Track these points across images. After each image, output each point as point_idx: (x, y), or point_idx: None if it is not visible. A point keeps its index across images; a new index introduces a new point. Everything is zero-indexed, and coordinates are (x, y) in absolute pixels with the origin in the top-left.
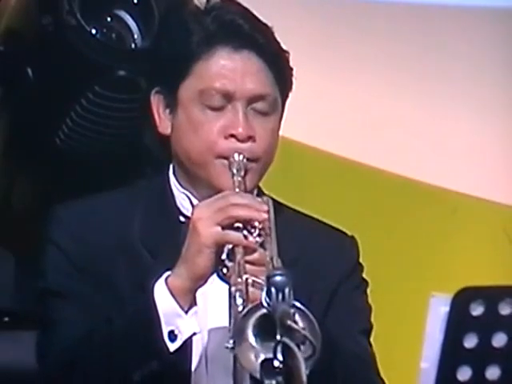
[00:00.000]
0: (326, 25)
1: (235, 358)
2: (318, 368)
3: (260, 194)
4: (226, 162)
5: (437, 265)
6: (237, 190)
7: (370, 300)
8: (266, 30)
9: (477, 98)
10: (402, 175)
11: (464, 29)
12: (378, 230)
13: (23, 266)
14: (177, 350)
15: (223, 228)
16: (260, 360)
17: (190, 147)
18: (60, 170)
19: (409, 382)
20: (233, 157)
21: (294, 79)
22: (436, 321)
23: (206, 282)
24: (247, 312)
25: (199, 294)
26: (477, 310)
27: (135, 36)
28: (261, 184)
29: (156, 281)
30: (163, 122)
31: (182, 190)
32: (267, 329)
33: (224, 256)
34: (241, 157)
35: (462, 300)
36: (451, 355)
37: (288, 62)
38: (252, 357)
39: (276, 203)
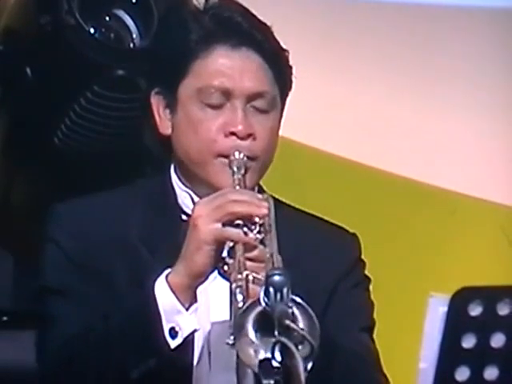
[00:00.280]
0: (326, 25)
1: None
2: (316, 366)
3: (260, 192)
4: (225, 160)
5: (435, 265)
6: (237, 187)
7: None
8: (264, 29)
9: (476, 99)
10: (401, 176)
11: (464, 29)
12: (377, 231)
13: (21, 265)
14: (177, 347)
15: (223, 225)
16: (260, 355)
17: (189, 146)
18: (58, 169)
19: (407, 382)
20: (233, 155)
21: (293, 78)
22: (434, 321)
23: (206, 279)
24: (247, 308)
25: (201, 290)
26: (475, 311)
27: (134, 35)
28: (260, 184)
29: (157, 278)
30: (163, 122)
31: (184, 188)
32: (267, 324)
33: (225, 253)
34: (241, 155)
35: (460, 300)
36: (449, 355)
37: (287, 60)
38: (252, 352)
39: (276, 201)
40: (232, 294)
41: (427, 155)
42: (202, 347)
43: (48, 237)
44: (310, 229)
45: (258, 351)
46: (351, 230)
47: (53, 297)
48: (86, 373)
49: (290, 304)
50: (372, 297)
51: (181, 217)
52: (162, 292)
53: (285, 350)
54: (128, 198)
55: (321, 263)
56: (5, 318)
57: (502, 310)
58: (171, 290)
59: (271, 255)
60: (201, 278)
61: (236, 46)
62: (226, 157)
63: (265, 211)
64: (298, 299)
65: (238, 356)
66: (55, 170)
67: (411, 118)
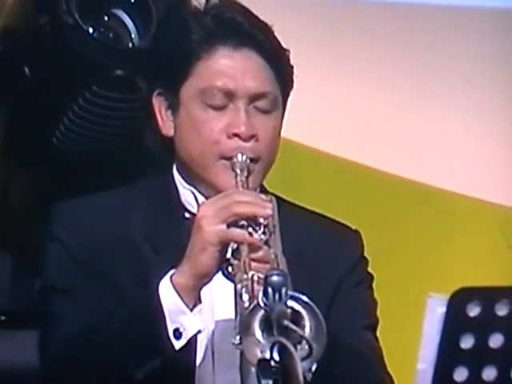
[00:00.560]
0: (326, 26)
1: (241, 352)
2: (320, 365)
3: (263, 192)
4: (228, 163)
5: (434, 265)
6: (240, 189)
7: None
8: (265, 28)
9: (476, 100)
10: (400, 176)
11: (464, 30)
12: (376, 231)
13: (20, 265)
14: (181, 348)
15: (228, 226)
16: (266, 355)
17: (192, 147)
18: (57, 169)
19: (406, 383)
20: (236, 157)
21: (294, 77)
22: (433, 321)
23: (210, 279)
24: (253, 307)
25: (205, 291)
26: (473, 311)
27: (133, 35)
28: (263, 184)
29: (161, 278)
30: (166, 123)
31: (188, 186)
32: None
33: (229, 255)
34: (244, 157)
35: (458, 300)
36: (448, 356)
37: (288, 59)
38: (258, 352)
39: (278, 199)
40: (237, 294)
41: (427, 156)
42: (206, 346)
43: (51, 236)
44: (312, 226)
45: (265, 351)
46: (354, 227)
47: (55, 296)
48: (89, 373)
49: (296, 303)
50: None
51: (184, 215)
52: (167, 293)
53: (283, 351)
54: (131, 197)
55: (324, 261)
56: (2, 318)
57: (501, 311)
58: (175, 290)
59: (275, 256)
60: (205, 278)
61: (238, 47)
62: (229, 159)
63: (269, 212)
64: (305, 298)
65: (241, 355)
66: (54, 170)
67: (411, 119)
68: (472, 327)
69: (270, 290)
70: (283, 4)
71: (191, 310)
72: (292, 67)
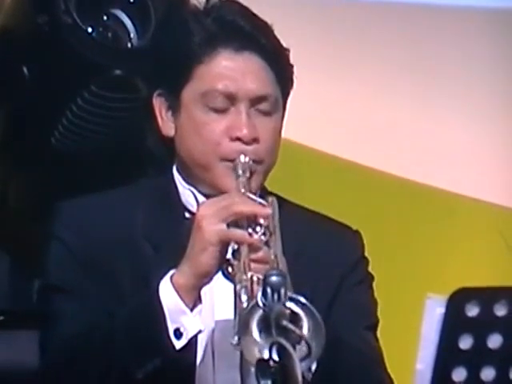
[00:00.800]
0: (326, 26)
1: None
2: (320, 364)
3: (265, 193)
4: (230, 164)
5: (433, 266)
6: (242, 190)
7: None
8: (266, 29)
9: (475, 100)
10: (399, 176)
11: (463, 30)
12: (375, 231)
13: (19, 265)
14: (182, 347)
15: (228, 226)
16: (264, 355)
17: (193, 148)
18: (56, 169)
19: (404, 383)
20: (238, 158)
21: (294, 77)
22: (431, 322)
23: (210, 280)
24: (252, 307)
25: (205, 290)
26: (472, 311)
27: (131, 35)
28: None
29: (162, 278)
30: (166, 124)
31: (188, 186)
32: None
33: (229, 255)
34: (246, 159)
35: (457, 301)
36: (446, 356)
37: (288, 59)
38: (256, 351)
39: (278, 198)
40: (237, 294)
41: (426, 156)
42: (206, 346)
43: (52, 235)
44: (313, 226)
45: (263, 351)
46: (354, 227)
47: (56, 295)
48: (89, 372)
49: (294, 304)
50: None
51: (184, 215)
52: (167, 293)
53: (282, 351)
54: (131, 197)
55: (324, 261)
56: (1, 318)
57: (499, 311)
58: (176, 290)
59: (275, 256)
60: (205, 278)
61: (239, 50)
62: (231, 160)
63: (269, 211)
64: (303, 299)
65: (241, 355)
66: (53, 170)
67: (411, 119)
68: (471, 328)
69: (268, 290)
70: (283, 4)
71: (191, 310)
72: (292, 67)
